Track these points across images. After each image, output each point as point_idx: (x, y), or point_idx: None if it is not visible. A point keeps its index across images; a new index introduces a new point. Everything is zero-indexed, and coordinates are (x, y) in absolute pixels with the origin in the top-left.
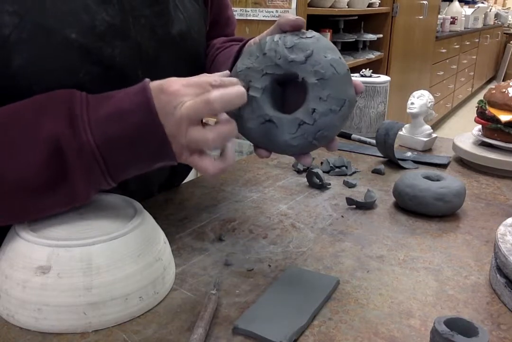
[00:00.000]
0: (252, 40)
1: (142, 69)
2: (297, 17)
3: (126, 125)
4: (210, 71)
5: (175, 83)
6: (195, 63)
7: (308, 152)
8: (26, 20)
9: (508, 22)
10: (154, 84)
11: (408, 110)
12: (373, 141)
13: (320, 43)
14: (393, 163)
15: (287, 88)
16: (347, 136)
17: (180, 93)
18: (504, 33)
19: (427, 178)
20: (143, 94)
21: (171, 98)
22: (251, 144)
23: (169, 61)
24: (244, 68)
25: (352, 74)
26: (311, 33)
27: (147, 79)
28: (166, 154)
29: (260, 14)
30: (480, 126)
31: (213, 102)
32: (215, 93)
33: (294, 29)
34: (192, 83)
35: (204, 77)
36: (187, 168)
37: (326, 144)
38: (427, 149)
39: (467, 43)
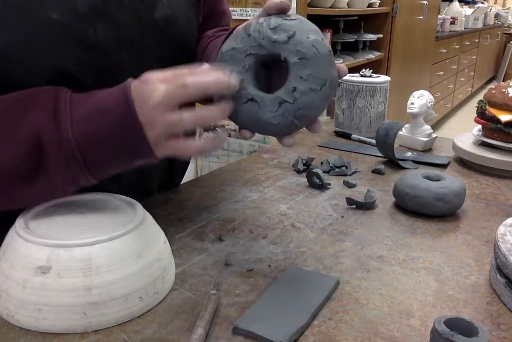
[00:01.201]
0: (240, 26)
1: (127, 53)
2: (283, 0)
3: (105, 123)
4: (201, 60)
5: (153, 74)
6: (181, 51)
7: (291, 133)
8: (9, 4)
9: (508, 22)
10: (136, 80)
11: (408, 110)
12: (373, 141)
13: (303, 25)
14: (393, 163)
15: (272, 71)
16: (347, 136)
17: (155, 81)
18: (504, 33)
19: (427, 178)
20: (123, 92)
21: (147, 86)
22: (251, 144)
23: (153, 46)
24: (229, 49)
25: (352, 74)
26: (295, 16)
27: (130, 78)
28: (143, 151)
29: None
30: (480, 126)
31: (188, 86)
32: (191, 78)
33: (279, 12)
34: (169, 73)
35: (182, 68)
36: (183, 168)
37: (308, 125)
38: (427, 149)
39: (467, 43)
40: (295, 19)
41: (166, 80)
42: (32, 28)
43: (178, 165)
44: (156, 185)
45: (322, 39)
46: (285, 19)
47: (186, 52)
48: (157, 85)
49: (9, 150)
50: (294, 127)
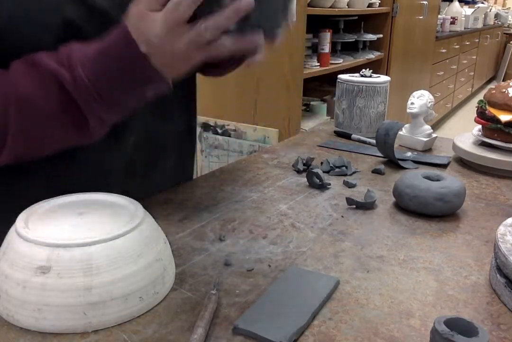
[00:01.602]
0: None
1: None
2: None
3: (109, 59)
4: None
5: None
6: None
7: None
8: None
9: (508, 22)
10: (128, 16)
11: (408, 110)
12: (373, 141)
13: None
14: (393, 163)
15: None
16: (347, 136)
17: (147, 14)
18: (504, 33)
19: (427, 178)
20: (121, 31)
21: (144, 23)
22: (251, 144)
23: None
24: None
25: (352, 74)
26: None
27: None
28: (155, 78)
29: None
30: (480, 126)
31: (180, 6)
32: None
33: None
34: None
35: None
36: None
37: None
38: (427, 149)
39: (467, 43)
40: None
41: (154, 8)
42: None
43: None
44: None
45: None
46: None
47: None
48: (151, 20)
49: (40, 93)
50: None
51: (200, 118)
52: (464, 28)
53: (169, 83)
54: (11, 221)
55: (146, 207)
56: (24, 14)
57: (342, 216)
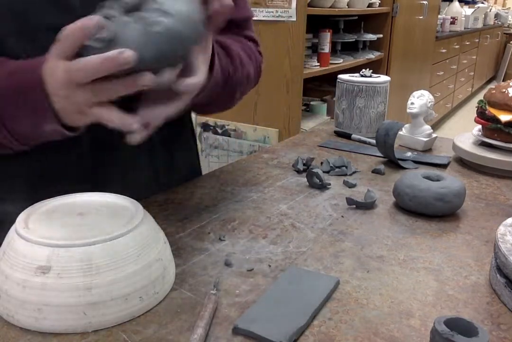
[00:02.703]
0: None
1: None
2: None
3: (12, 82)
4: None
5: (53, 55)
6: None
7: None
8: None
9: (508, 22)
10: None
11: (408, 110)
12: (373, 141)
13: None
14: (393, 163)
15: None
16: (347, 136)
17: (54, 68)
18: (504, 33)
19: (427, 178)
20: (38, 62)
21: (48, 65)
22: (251, 144)
23: None
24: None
25: (352, 74)
26: None
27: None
28: (47, 115)
29: (260, 14)
30: (480, 126)
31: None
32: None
33: None
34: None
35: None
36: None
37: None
38: (427, 149)
39: (467, 43)
40: None
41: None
42: None
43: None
44: (144, 186)
45: None
46: None
47: None
48: (55, 72)
49: None
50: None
51: (200, 119)
52: (464, 28)
53: (72, 128)
54: (11, 221)
55: (146, 207)
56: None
57: (342, 216)
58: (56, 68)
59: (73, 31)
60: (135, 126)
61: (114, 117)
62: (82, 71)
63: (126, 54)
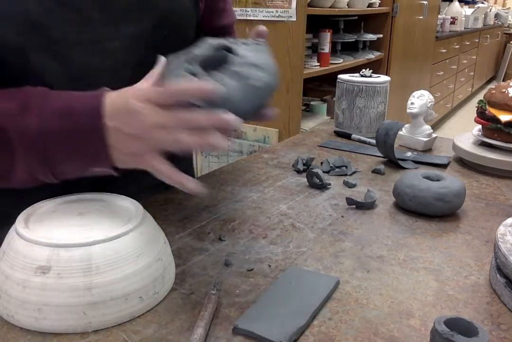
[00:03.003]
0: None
1: (98, 12)
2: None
3: (71, 123)
4: None
5: (135, 97)
6: (160, 16)
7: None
8: None
9: (508, 22)
10: (113, 93)
11: (408, 110)
12: (373, 141)
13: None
14: (393, 163)
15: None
16: (347, 136)
17: (138, 108)
18: (504, 33)
19: (427, 178)
20: (96, 99)
21: (128, 110)
22: (251, 144)
23: (128, 8)
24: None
25: (352, 74)
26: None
27: (105, 88)
28: (100, 160)
29: (260, 14)
30: (480, 126)
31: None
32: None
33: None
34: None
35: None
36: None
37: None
38: (427, 149)
39: (467, 43)
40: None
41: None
42: None
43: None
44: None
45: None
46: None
47: (166, 15)
48: (140, 114)
49: None
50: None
51: None
52: (464, 28)
53: (114, 169)
54: (11, 221)
55: (146, 207)
56: None
57: (342, 216)
58: (136, 113)
59: (187, 89)
60: (189, 185)
61: (174, 176)
62: (187, 123)
63: (231, 119)
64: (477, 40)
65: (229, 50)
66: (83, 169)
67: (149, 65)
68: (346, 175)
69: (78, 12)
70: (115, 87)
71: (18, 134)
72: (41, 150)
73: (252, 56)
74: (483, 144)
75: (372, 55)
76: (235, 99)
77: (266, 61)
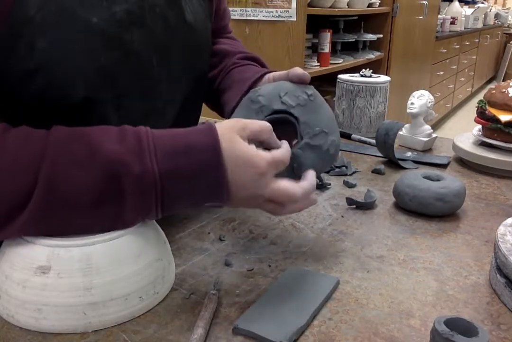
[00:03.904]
0: (267, 76)
1: (156, 58)
2: (304, 72)
3: (192, 161)
4: (220, 84)
5: (261, 160)
6: (200, 56)
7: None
8: (50, 2)
9: (508, 22)
10: (227, 139)
11: (408, 110)
12: (373, 141)
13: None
14: (393, 163)
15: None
16: (347, 136)
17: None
18: (504, 33)
19: (427, 178)
20: (210, 134)
21: (248, 164)
22: None
23: (178, 51)
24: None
25: (352, 74)
26: (313, 93)
27: (211, 121)
28: (219, 195)
29: (260, 14)
30: (480, 126)
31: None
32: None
33: (300, 82)
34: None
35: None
36: None
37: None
38: (427, 149)
39: (467, 43)
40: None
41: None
42: (73, 30)
43: None
44: None
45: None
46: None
47: (204, 58)
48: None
49: (81, 175)
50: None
51: (200, 119)
52: (464, 28)
53: (230, 203)
54: None
55: None
56: (59, 53)
57: (342, 216)
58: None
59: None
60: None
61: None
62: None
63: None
64: (477, 40)
65: (288, 113)
66: (196, 205)
67: (190, 104)
68: (346, 175)
69: (141, 61)
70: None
71: (132, 180)
72: (158, 193)
73: (314, 120)
74: (483, 144)
75: (372, 55)
76: (317, 168)
77: (328, 121)
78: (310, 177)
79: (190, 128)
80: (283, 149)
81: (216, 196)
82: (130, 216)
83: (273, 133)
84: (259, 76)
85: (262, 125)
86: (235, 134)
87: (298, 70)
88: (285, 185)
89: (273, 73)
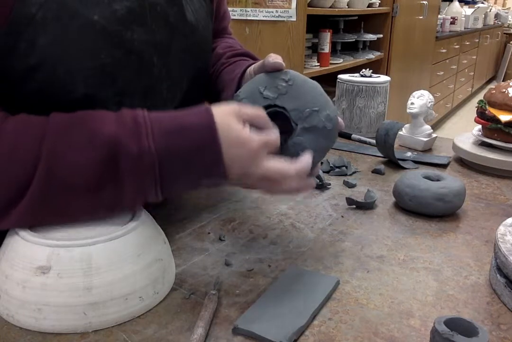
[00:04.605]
0: (248, 71)
1: (157, 57)
2: (276, 59)
3: (188, 139)
4: (214, 86)
5: (251, 138)
6: (201, 57)
7: None
8: (51, 0)
9: (508, 22)
10: (219, 118)
11: (408, 110)
12: (373, 141)
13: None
14: (393, 163)
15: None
16: (347, 136)
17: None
18: (504, 33)
19: (427, 178)
20: (206, 117)
21: (240, 144)
22: None
23: (179, 51)
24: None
25: (352, 74)
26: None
27: (206, 105)
28: (216, 172)
29: (260, 14)
30: (480, 126)
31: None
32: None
33: (275, 70)
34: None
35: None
36: None
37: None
38: (427, 149)
39: (467, 43)
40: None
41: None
42: (74, 28)
43: None
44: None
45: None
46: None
47: (205, 57)
48: (249, 151)
49: (79, 158)
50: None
51: None
52: (464, 28)
53: (227, 181)
54: None
55: (146, 207)
56: (60, 50)
57: (342, 216)
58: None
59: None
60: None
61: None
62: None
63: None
64: (477, 40)
65: (274, 106)
66: (195, 184)
67: (190, 103)
68: (346, 175)
69: (142, 60)
70: None
71: (131, 160)
72: (157, 172)
73: (301, 103)
74: (483, 144)
75: (372, 55)
76: (323, 147)
77: (315, 98)
78: (304, 157)
79: (186, 110)
80: (276, 132)
81: (213, 172)
82: (130, 198)
83: (269, 120)
84: (242, 73)
85: (258, 111)
86: (230, 116)
87: (270, 59)
88: (278, 162)
89: (253, 66)
